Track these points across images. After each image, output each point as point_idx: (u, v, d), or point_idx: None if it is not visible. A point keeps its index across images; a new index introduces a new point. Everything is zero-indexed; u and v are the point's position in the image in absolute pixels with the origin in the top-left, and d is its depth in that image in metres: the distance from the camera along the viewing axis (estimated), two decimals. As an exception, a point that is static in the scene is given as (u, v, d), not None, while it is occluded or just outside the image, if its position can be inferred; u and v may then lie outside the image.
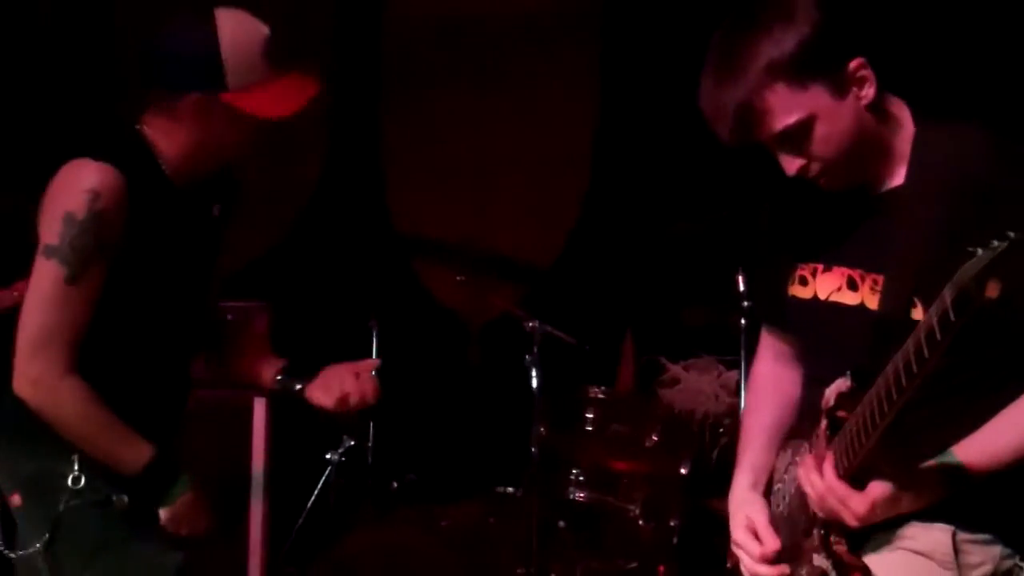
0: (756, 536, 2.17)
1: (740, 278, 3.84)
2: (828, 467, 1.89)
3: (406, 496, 4.15)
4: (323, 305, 4.96)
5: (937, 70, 4.01)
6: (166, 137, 2.41)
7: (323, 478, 4.18)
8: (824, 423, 2.00)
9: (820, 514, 1.95)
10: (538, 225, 5.23)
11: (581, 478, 3.91)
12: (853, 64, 1.92)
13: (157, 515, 2.47)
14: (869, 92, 1.94)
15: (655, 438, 3.92)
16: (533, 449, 3.87)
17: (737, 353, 3.78)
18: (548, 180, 5.24)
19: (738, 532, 2.21)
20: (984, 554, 1.97)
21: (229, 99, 2.33)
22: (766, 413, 2.32)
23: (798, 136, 1.94)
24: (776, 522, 2.18)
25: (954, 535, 1.96)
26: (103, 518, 2.43)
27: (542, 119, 5.25)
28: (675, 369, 4.18)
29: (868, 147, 1.97)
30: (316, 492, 4.17)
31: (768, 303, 2.31)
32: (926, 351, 1.67)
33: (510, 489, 3.98)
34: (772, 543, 2.14)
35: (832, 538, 1.99)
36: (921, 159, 1.97)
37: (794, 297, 2.15)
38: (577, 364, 4.16)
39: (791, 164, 1.98)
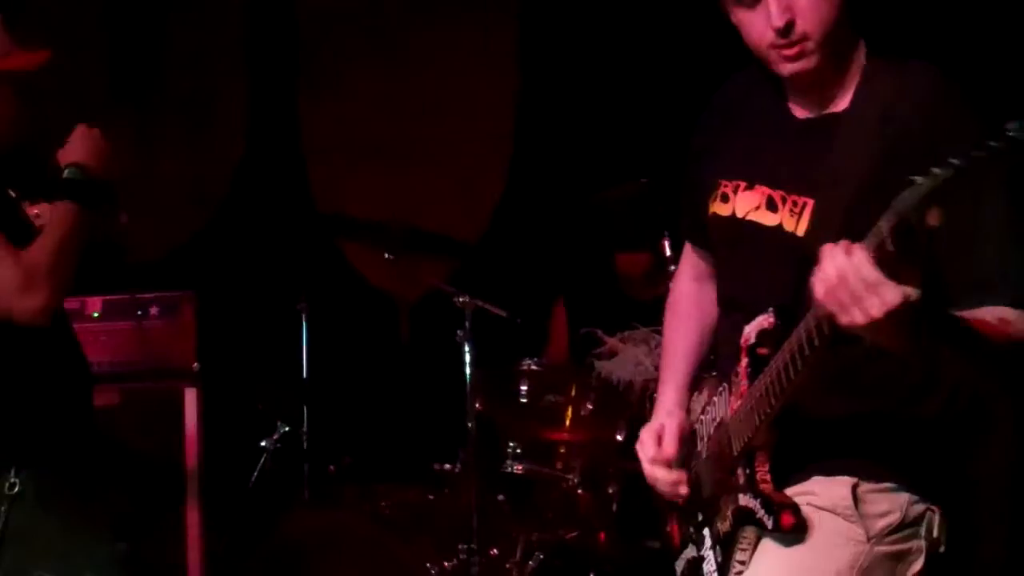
0: (659, 442, 2.23)
1: (666, 244, 3.85)
2: (860, 252, 1.69)
3: (344, 479, 4.13)
4: (250, 291, 4.92)
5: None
6: None
7: (259, 465, 4.15)
8: (745, 361, 2.01)
9: (823, 301, 1.73)
10: (464, 199, 5.21)
11: (518, 451, 3.92)
12: None
13: (100, 511, 2.57)
14: None
15: (590, 407, 3.94)
16: (469, 424, 3.87)
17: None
18: (472, 154, 5.23)
19: (644, 433, 2.26)
20: (890, 502, 1.99)
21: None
22: (688, 333, 2.35)
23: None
24: (697, 464, 2.20)
25: (855, 487, 1.98)
26: (45, 518, 2.48)
27: (462, 93, 5.24)
28: (612, 341, 4.18)
29: (838, 49, 1.98)
30: (253, 480, 4.14)
31: (691, 219, 2.31)
32: None
33: (448, 466, 3.98)
34: (669, 451, 2.20)
35: (758, 476, 1.99)
36: (867, 88, 1.98)
37: (715, 215, 2.14)
38: (510, 337, 4.16)
39: (781, 15, 1.94)
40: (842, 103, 2.01)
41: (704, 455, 2.18)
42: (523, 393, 3.98)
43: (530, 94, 5.21)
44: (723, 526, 2.09)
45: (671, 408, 2.29)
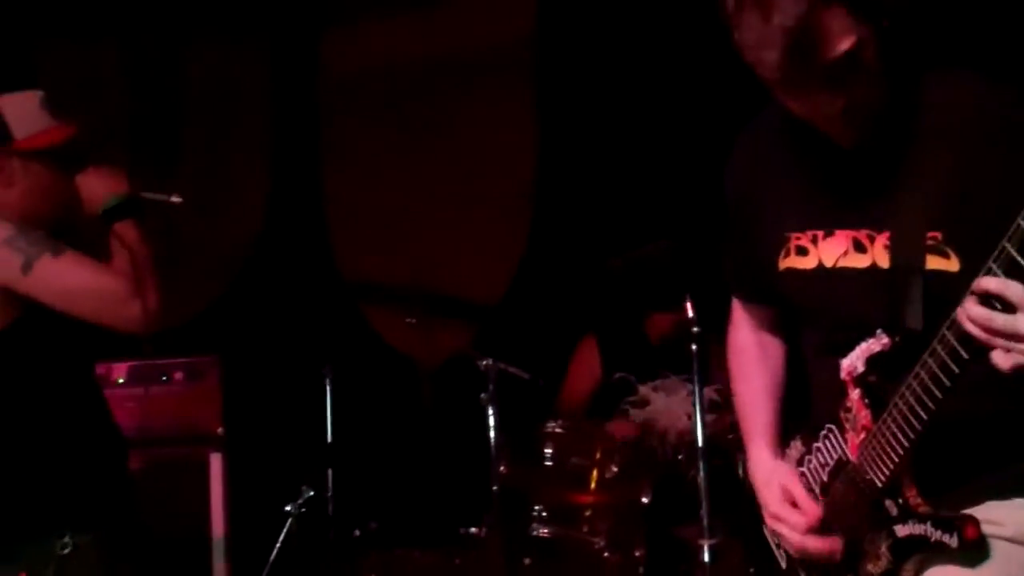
0: (795, 506, 2.11)
1: (688, 305, 3.85)
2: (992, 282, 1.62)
3: (369, 543, 4.11)
4: (275, 355, 4.93)
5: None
6: None
7: (284, 531, 4.14)
8: (856, 392, 1.95)
9: (984, 340, 1.64)
10: (485, 263, 5.24)
11: (544, 514, 3.90)
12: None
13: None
14: (885, 23, 1.84)
15: (615, 469, 3.92)
16: (494, 488, 3.86)
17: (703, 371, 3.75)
18: (491, 217, 5.26)
19: (774, 505, 2.13)
20: None
21: (21, 146, 2.68)
22: (760, 378, 2.29)
23: (847, 66, 1.81)
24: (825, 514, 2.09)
25: None
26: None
27: (482, 157, 5.28)
28: (644, 390, 4.16)
29: (887, 86, 1.89)
30: (278, 545, 4.13)
31: (747, 280, 2.24)
32: None
33: (473, 529, 3.95)
34: (814, 511, 2.07)
35: (912, 503, 1.89)
36: (917, 108, 1.91)
37: (791, 269, 2.06)
38: (533, 400, 4.17)
39: (835, 102, 1.85)
40: (893, 128, 1.92)
41: (832, 504, 2.07)
42: (548, 456, 3.96)
43: (548, 157, 5.25)
44: (876, 567, 1.96)
45: (772, 466, 2.18)
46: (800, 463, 2.14)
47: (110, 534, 2.59)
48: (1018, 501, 1.90)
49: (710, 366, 3.94)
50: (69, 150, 2.73)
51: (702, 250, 4.13)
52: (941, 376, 1.74)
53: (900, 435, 1.85)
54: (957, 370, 1.71)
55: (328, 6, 5.46)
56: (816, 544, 2.07)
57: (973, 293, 1.64)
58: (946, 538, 1.84)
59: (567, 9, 5.15)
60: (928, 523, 1.87)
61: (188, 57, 5.46)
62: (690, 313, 3.81)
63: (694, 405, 3.76)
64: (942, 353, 1.72)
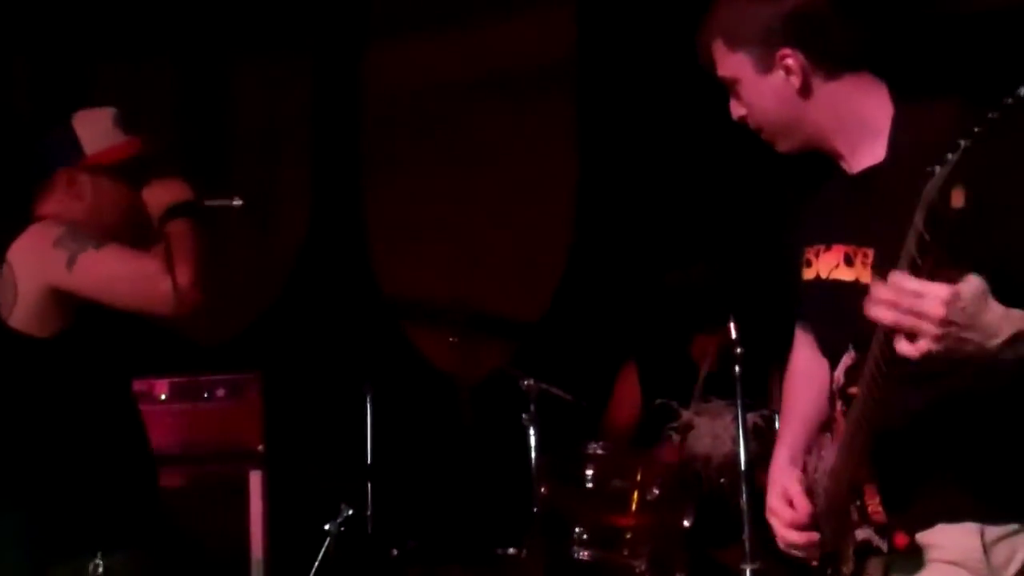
0: (791, 504, 2.24)
1: (732, 326, 3.81)
2: (895, 273, 1.72)
3: (408, 563, 4.10)
4: (315, 372, 4.93)
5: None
6: (65, 213, 2.76)
7: (323, 549, 4.13)
8: (840, 404, 2.07)
9: (891, 322, 1.72)
10: (524, 280, 5.22)
11: (584, 536, 3.87)
12: (780, 53, 2.09)
13: None
14: (794, 81, 2.09)
15: (656, 492, 3.89)
16: (534, 509, 3.84)
17: (750, 396, 3.72)
18: (532, 235, 5.25)
19: (773, 500, 2.28)
20: (1013, 546, 1.95)
21: (91, 161, 2.78)
22: (802, 400, 2.41)
23: (734, 90, 2.18)
24: (819, 517, 2.22)
25: (982, 534, 1.95)
26: None
27: (522, 175, 5.26)
28: (687, 415, 4.12)
29: (805, 124, 2.12)
30: (317, 564, 4.12)
31: (795, 296, 2.38)
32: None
33: (513, 550, 3.94)
34: (804, 509, 2.21)
35: (869, 509, 1.99)
36: (899, 136, 2.05)
37: (803, 281, 2.23)
38: (574, 421, 4.14)
39: (734, 110, 2.20)
40: (877, 154, 2.07)
41: (823, 507, 2.21)
42: (589, 478, 3.93)
43: (589, 175, 5.23)
44: (847, 569, 2.10)
45: (784, 469, 2.33)
46: (815, 468, 2.28)
47: (142, 554, 2.59)
48: (965, 526, 1.97)
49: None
50: (136, 164, 2.81)
51: (747, 270, 4.10)
52: (876, 375, 1.83)
53: (855, 442, 1.98)
54: (886, 369, 1.80)
55: (370, 24, 5.48)
56: (796, 538, 2.22)
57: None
58: (881, 543, 1.97)
59: (609, 28, 5.14)
60: (872, 528, 1.99)
61: (234, 76, 5.49)
62: (733, 334, 3.78)
63: (736, 427, 3.72)
64: (876, 353, 1.81)
